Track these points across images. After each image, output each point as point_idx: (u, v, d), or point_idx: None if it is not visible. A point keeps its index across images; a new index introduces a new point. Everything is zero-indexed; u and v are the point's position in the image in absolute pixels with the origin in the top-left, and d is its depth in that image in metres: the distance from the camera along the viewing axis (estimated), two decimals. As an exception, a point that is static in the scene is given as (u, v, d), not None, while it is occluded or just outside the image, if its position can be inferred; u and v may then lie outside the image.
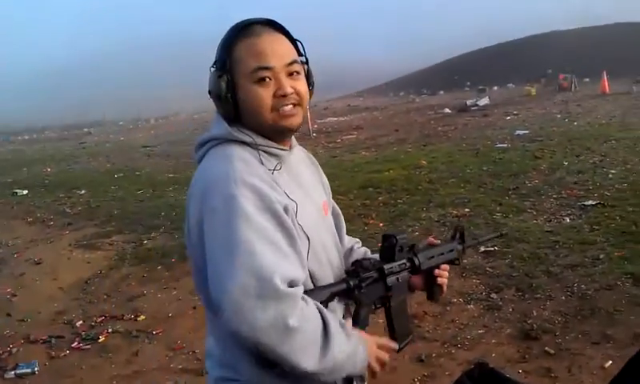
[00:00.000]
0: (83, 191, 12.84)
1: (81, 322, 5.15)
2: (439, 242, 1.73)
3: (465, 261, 5.04)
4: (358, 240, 1.81)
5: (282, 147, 1.47)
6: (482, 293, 4.81)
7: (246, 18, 1.47)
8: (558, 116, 17.14)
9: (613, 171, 8.62)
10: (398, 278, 1.52)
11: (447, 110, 23.69)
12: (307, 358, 1.24)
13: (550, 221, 6.59)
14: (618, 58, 36.44)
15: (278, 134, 1.45)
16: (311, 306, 1.28)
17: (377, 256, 1.63)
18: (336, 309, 1.47)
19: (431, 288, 1.69)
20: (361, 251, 1.75)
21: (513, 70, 41.49)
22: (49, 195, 12.77)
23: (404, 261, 1.56)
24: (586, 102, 20.36)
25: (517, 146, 12.12)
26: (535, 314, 4.30)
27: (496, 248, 5.75)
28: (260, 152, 1.41)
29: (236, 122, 1.43)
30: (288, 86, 1.41)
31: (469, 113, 21.89)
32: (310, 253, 1.40)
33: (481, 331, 4.16)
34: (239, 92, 1.40)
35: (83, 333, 4.88)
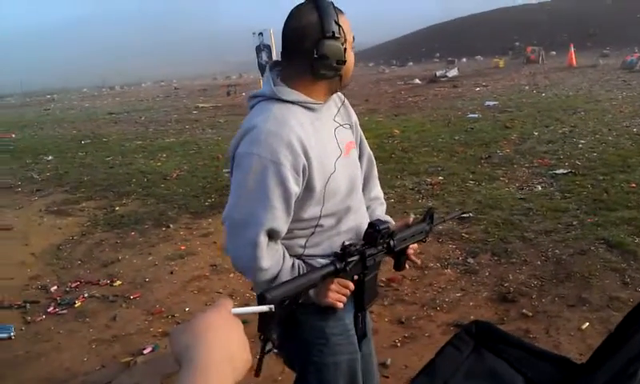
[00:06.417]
0: (50, 157, 12.58)
1: (55, 287, 5.06)
2: (411, 222, 1.97)
3: (440, 227, 5.11)
4: (381, 196, 2.12)
5: (318, 102, 1.73)
6: (458, 258, 4.88)
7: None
8: (527, 87, 17.36)
9: (582, 141, 8.78)
10: (374, 259, 1.76)
11: (417, 81, 23.77)
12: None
13: (523, 189, 6.70)
14: (584, 32, 36.93)
15: (342, 89, 1.80)
16: (279, 252, 1.68)
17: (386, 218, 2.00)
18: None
19: (399, 261, 1.95)
20: (376, 214, 2.05)
21: (481, 43, 41.72)
22: (15, 161, 12.48)
23: (382, 246, 1.77)
24: (554, 75, 20.65)
25: (487, 117, 12.26)
26: (511, 277, 4.38)
27: (471, 215, 5.83)
28: (300, 107, 1.68)
29: (292, 82, 1.69)
30: None
31: (438, 84, 22.02)
32: (327, 189, 1.71)
33: (458, 294, 4.22)
34: (346, 55, 1.69)
35: (58, 298, 4.79)
